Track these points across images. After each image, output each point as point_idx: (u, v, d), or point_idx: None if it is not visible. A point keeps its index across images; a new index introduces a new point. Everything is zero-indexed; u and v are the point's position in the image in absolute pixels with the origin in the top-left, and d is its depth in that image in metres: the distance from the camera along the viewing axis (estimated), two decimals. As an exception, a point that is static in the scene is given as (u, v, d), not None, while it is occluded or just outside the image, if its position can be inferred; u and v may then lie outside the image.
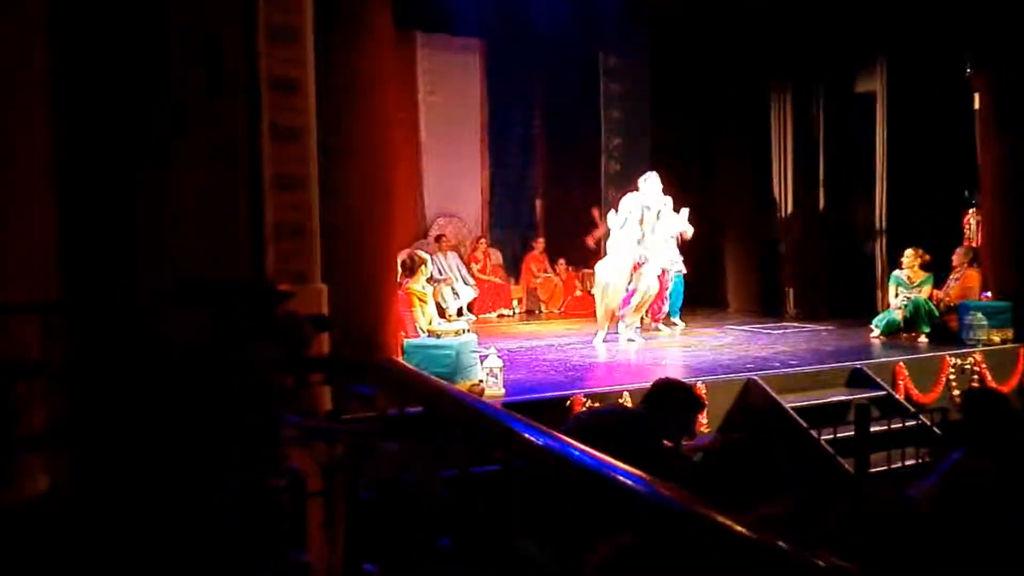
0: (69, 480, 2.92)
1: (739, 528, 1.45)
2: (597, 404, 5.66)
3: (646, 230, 8.28)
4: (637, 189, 8.83)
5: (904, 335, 8.22)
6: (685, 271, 9.34)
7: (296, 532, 2.01)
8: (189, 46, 4.23)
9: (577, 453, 1.62)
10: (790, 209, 10.32)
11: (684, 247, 9.73)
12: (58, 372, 3.03)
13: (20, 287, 3.33)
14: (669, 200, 8.66)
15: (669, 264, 8.77)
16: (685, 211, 8.96)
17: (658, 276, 8.45)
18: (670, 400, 3.72)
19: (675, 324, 9.25)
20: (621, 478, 1.54)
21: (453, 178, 11.16)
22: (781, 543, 1.41)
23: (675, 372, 6.78)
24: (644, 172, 10.82)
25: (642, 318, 8.62)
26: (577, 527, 1.57)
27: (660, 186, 8.52)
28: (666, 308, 9.04)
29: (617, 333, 8.33)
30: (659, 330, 8.89)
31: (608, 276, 8.20)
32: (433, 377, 1.85)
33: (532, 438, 1.65)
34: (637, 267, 8.23)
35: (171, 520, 2.09)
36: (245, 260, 4.42)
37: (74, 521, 2.60)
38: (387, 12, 5.91)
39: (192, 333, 2.95)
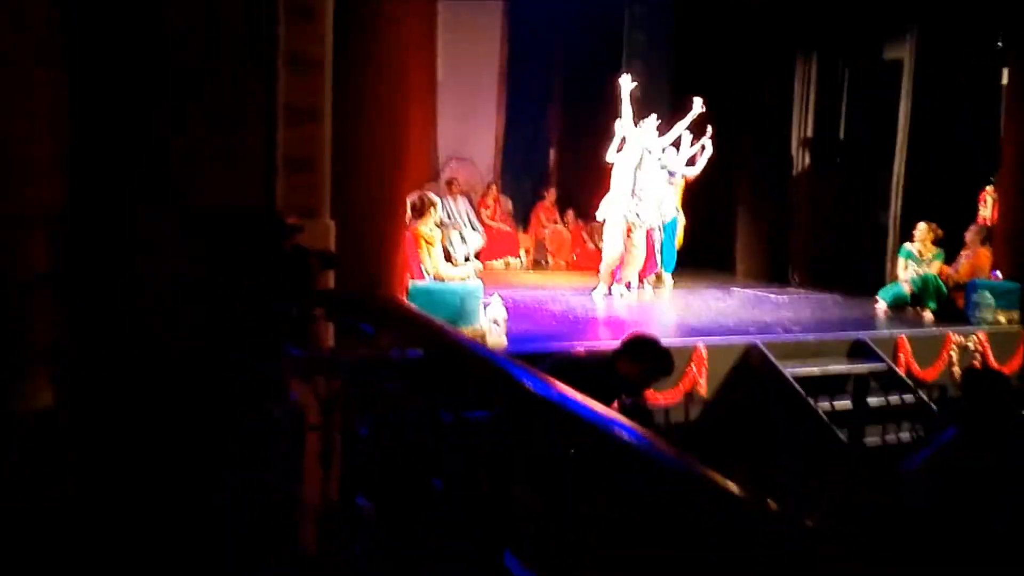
0: (72, 394, 2.95)
1: (734, 488, 1.45)
2: (596, 359, 5.67)
3: (641, 176, 8.03)
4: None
5: (910, 309, 8.18)
6: (682, 218, 9.13)
7: (294, 463, 2.02)
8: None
9: (574, 403, 1.61)
10: (806, 175, 10.20)
11: (691, 197, 9.63)
12: (65, 287, 3.04)
13: (30, 204, 3.31)
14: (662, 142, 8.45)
15: (658, 220, 8.55)
16: (703, 141, 8.77)
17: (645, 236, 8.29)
18: (641, 354, 3.68)
19: (661, 282, 9.07)
20: (618, 431, 1.53)
21: (468, 121, 11.01)
22: (773, 505, 1.41)
23: (676, 331, 6.78)
24: (663, 126, 10.69)
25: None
26: (573, 478, 1.57)
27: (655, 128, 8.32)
28: (658, 265, 8.89)
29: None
30: (642, 288, 8.70)
31: (609, 216, 8.04)
32: (435, 318, 1.84)
33: (530, 386, 1.63)
34: (629, 231, 8.06)
35: (166, 436, 2.11)
36: (256, 191, 4.40)
37: (76, 435, 2.63)
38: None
39: (201, 262, 2.94)
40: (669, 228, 9.07)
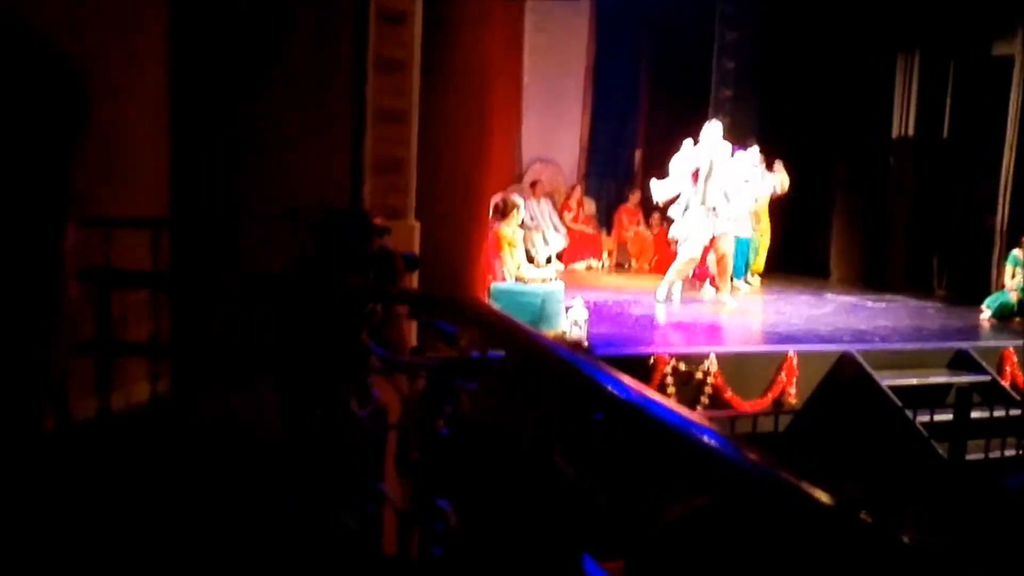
0: (168, 390, 3.08)
1: (824, 499, 1.38)
2: (682, 366, 5.57)
3: (713, 191, 7.59)
4: (744, 144, 8.49)
5: (1018, 319, 7.74)
6: (749, 235, 8.92)
7: (375, 462, 2.05)
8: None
9: (660, 409, 1.56)
10: (906, 176, 9.77)
11: (779, 209, 9.41)
12: (164, 285, 3.18)
13: (135, 207, 3.48)
14: (727, 147, 8.02)
15: (736, 229, 8.17)
16: (779, 165, 8.51)
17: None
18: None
19: (736, 289, 8.81)
20: (706, 438, 1.47)
21: (552, 123, 11.00)
22: (866, 518, 1.33)
23: (766, 339, 6.60)
24: (754, 126, 10.43)
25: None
26: (653, 484, 1.53)
27: (721, 134, 7.89)
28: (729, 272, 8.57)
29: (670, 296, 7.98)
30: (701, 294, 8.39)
31: (686, 236, 7.74)
32: (517, 320, 1.83)
33: (616, 392, 1.59)
34: (713, 242, 7.72)
35: (257, 436, 2.17)
36: (344, 191, 4.50)
37: (173, 431, 2.74)
38: (496, -54, 5.78)
39: (291, 258, 3.03)
40: (743, 244, 8.86)
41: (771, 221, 9.71)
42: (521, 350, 1.63)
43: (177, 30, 3.93)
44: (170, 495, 2.30)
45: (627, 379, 1.53)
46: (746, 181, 8.61)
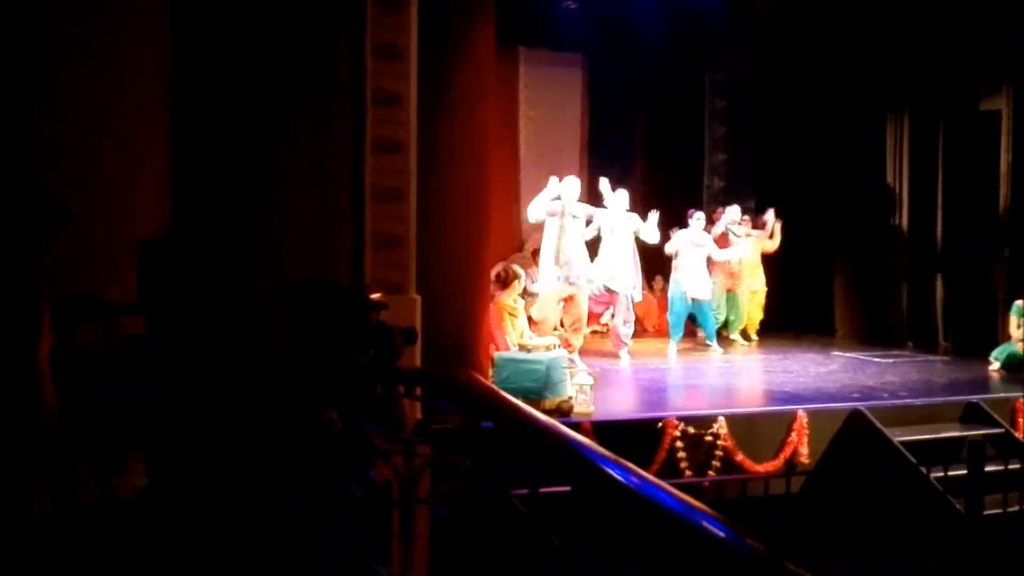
0: (167, 477, 3.06)
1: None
2: (691, 429, 5.52)
3: (565, 241, 7.55)
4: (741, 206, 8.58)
5: (1027, 369, 7.67)
6: (704, 296, 8.87)
7: (375, 542, 2.02)
8: (300, 58, 4.41)
9: (663, 495, 1.54)
10: (905, 233, 9.83)
11: (779, 267, 9.49)
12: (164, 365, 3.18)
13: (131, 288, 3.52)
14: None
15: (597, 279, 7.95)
16: (653, 215, 8.32)
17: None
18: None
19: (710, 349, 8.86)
20: (704, 523, 1.46)
21: (550, 193, 11.13)
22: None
23: (774, 399, 6.55)
24: (749, 188, 10.55)
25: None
26: (653, 566, 1.51)
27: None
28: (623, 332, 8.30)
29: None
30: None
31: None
32: (507, 395, 1.83)
33: (615, 474, 1.59)
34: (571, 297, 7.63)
35: (255, 520, 2.15)
36: (344, 268, 4.55)
37: (170, 515, 2.72)
38: (490, 27, 5.98)
39: (289, 336, 3.06)
40: (706, 306, 8.88)
41: (770, 279, 9.79)
42: (517, 429, 1.63)
43: (178, 111, 4.04)
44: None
45: (618, 459, 1.53)
46: (699, 245, 8.75)
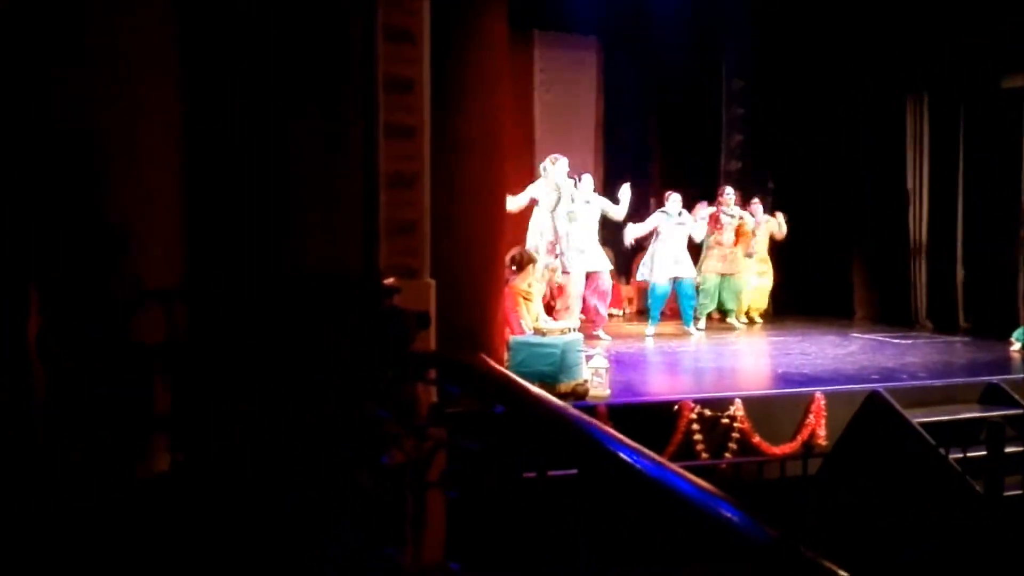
0: (187, 461, 3.10)
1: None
2: (707, 412, 5.52)
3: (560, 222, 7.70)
4: (759, 188, 8.51)
5: (1049, 350, 7.60)
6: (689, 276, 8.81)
7: (387, 527, 2.04)
8: (311, 44, 4.41)
9: (677, 480, 1.54)
10: (925, 214, 9.71)
11: (790, 247, 9.43)
12: (175, 358, 3.22)
13: (149, 279, 3.56)
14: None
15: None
16: (625, 189, 8.34)
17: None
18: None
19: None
20: (724, 512, 1.45)
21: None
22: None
23: (792, 381, 6.52)
24: (766, 171, 10.47)
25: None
26: (665, 550, 1.50)
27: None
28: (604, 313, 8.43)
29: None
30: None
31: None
32: (516, 378, 1.83)
33: (627, 458, 1.58)
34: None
35: (269, 509, 2.18)
36: (359, 254, 4.57)
37: (191, 499, 2.76)
38: (503, 11, 5.94)
39: (302, 325, 3.07)
40: (686, 286, 8.78)
41: (789, 261, 9.73)
42: (528, 412, 1.64)
43: (192, 100, 4.05)
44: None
45: (629, 442, 1.53)
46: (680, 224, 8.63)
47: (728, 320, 9.42)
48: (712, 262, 9.25)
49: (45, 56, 3.19)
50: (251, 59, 3.94)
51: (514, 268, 6.43)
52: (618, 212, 8.33)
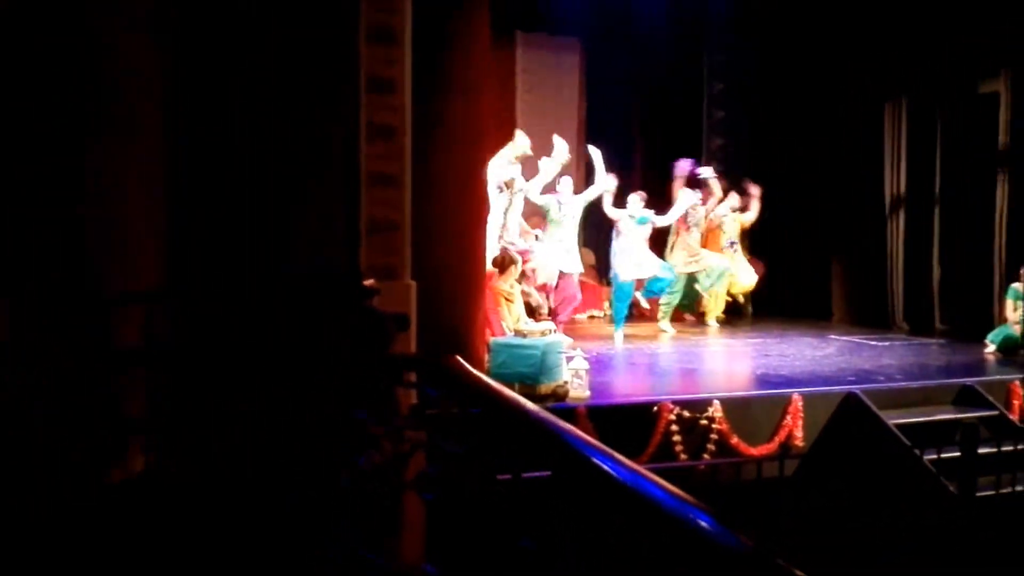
0: (163, 462, 3.08)
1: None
2: (686, 413, 5.55)
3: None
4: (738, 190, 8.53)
5: (1023, 352, 7.70)
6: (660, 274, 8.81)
7: (368, 531, 2.04)
8: (293, 46, 4.39)
9: (652, 488, 1.54)
10: (902, 217, 9.83)
11: (768, 248, 9.49)
12: (160, 360, 3.20)
13: (132, 281, 3.53)
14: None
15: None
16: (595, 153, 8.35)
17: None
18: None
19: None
20: (699, 520, 1.46)
21: (548, 178, 11.14)
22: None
23: (770, 382, 6.59)
24: (745, 174, 10.55)
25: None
26: (641, 556, 1.51)
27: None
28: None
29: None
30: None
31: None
32: (492, 382, 1.84)
33: (604, 466, 1.59)
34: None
35: (249, 509, 2.18)
36: (339, 255, 4.55)
37: (168, 501, 2.74)
38: (485, 12, 5.95)
39: (282, 326, 3.07)
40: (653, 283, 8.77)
41: (767, 263, 9.82)
42: (501, 415, 1.65)
43: (174, 99, 4.02)
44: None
45: (598, 446, 1.54)
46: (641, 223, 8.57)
47: (695, 317, 9.41)
48: (678, 260, 9.24)
49: (39, 55, 3.17)
50: (239, 61, 3.93)
51: (496, 269, 6.44)
52: (601, 179, 8.24)
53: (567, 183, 8.41)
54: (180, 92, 4.01)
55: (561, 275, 8.02)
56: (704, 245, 9.49)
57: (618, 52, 10.80)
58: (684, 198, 9.03)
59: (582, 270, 8.43)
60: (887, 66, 9.66)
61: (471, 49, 5.77)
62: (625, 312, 8.66)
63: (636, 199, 8.69)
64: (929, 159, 9.48)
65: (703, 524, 1.42)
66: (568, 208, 8.13)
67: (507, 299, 6.28)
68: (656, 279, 8.74)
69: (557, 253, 7.87)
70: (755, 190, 9.72)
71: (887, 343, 8.57)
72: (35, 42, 3.02)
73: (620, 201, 8.85)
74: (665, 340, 8.67)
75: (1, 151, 2.94)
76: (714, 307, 9.58)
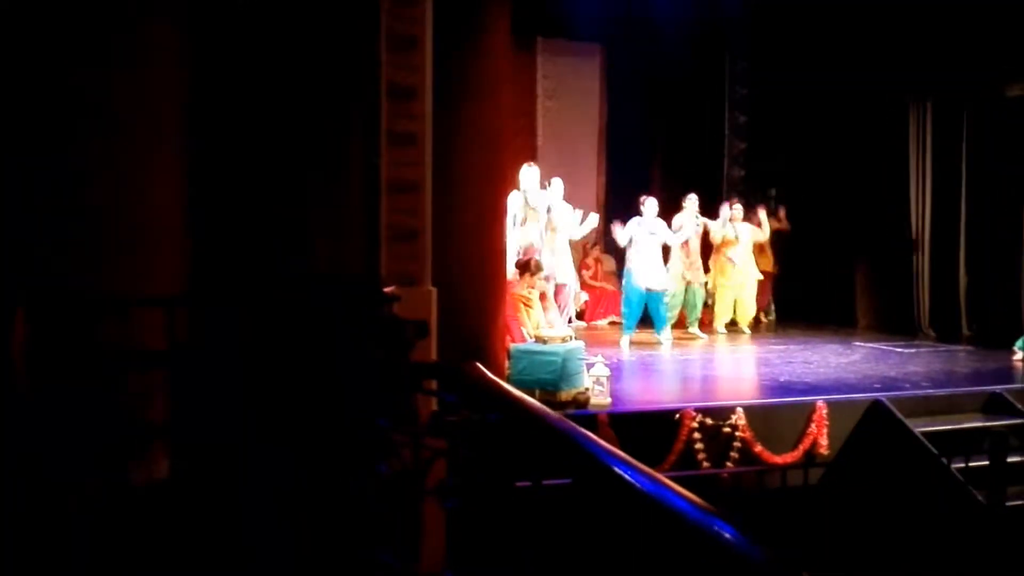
0: (188, 466, 3.10)
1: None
2: (708, 420, 5.49)
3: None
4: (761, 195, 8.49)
5: (1052, 359, 7.57)
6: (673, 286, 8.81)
7: (385, 536, 2.04)
8: (315, 52, 4.41)
9: (674, 497, 1.52)
10: (928, 222, 9.70)
11: (792, 255, 9.40)
12: (180, 363, 3.22)
13: (152, 284, 3.56)
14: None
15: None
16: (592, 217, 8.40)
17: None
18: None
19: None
20: (721, 530, 1.43)
21: (568, 183, 11.09)
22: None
23: (794, 389, 6.51)
24: (770, 176, 10.47)
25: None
26: (663, 565, 1.49)
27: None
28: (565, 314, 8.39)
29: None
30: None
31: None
32: (512, 389, 1.83)
33: (627, 476, 1.56)
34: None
35: (269, 511, 2.18)
36: (360, 262, 4.56)
37: (192, 504, 2.76)
38: (506, 18, 5.95)
39: (302, 331, 3.07)
40: (659, 296, 8.64)
41: (791, 269, 9.71)
42: (514, 419, 1.63)
43: (196, 102, 4.05)
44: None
45: (639, 465, 1.51)
46: (652, 233, 8.55)
47: (691, 330, 9.18)
48: (679, 268, 9.16)
49: (54, 56, 3.20)
50: (256, 66, 3.95)
51: (520, 271, 6.42)
52: (572, 231, 8.29)
53: (557, 184, 8.35)
54: (201, 97, 4.04)
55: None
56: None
57: (639, 57, 10.77)
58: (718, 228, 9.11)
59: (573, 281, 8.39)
60: (912, 68, 9.54)
61: (492, 55, 5.77)
62: (634, 320, 8.58)
63: (651, 204, 8.62)
64: (955, 163, 9.36)
65: (726, 535, 1.39)
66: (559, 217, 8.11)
67: (526, 304, 6.26)
68: (652, 296, 8.62)
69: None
70: (762, 212, 9.63)
71: (913, 350, 8.46)
72: (52, 39, 3.05)
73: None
74: (689, 347, 8.61)
75: (17, 150, 2.97)
76: (742, 315, 9.48)
